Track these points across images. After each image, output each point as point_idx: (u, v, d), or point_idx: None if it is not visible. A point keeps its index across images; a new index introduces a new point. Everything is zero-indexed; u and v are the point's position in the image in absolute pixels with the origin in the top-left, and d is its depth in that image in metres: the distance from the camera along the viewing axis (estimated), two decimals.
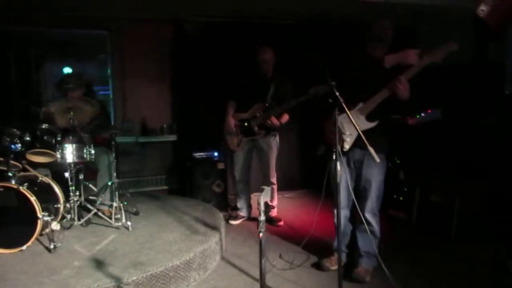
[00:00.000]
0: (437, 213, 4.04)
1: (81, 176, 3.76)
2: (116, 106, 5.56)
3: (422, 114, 4.47)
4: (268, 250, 3.58)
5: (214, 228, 3.55)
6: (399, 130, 4.60)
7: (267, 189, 2.35)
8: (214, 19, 5.41)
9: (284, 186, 5.71)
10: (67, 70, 5.49)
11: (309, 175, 5.87)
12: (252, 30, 5.38)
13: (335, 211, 2.98)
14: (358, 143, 2.80)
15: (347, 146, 2.85)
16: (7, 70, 5.14)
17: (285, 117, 4.26)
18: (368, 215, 2.91)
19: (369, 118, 2.81)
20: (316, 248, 3.52)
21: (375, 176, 2.90)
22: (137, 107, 5.53)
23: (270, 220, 4.48)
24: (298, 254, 3.48)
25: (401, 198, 4.51)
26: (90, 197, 4.02)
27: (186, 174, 5.07)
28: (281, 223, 4.44)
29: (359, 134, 2.53)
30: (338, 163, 2.35)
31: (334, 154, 2.47)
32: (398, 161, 4.53)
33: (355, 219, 3.07)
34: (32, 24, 5.07)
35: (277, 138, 4.48)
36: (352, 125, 2.52)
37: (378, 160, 2.25)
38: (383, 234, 3.06)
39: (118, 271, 2.65)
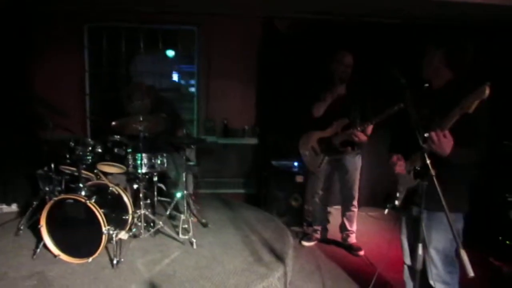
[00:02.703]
0: None
1: (155, 179, 3.73)
2: (200, 104, 5.50)
3: None
4: None
5: (280, 258, 3.26)
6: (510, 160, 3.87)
7: None
8: (309, 15, 4.99)
9: (368, 202, 5.22)
10: (170, 53, 5.55)
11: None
12: (352, 30, 4.85)
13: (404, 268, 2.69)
14: (414, 199, 2.30)
15: (397, 202, 2.38)
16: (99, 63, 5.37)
17: (370, 128, 3.72)
18: (433, 283, 2.34)
19: (414, 173, 2.24)
20: None
21: (435, 241, 2.30)
22: (220, 107, 5.42)
23: (349, 248, 4.07)
24: None
25: (507, 242, 3.76)
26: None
27: (262, 184, 4.84)
28: (361, 252, 3.97)
29: (409, 189, 2.18)
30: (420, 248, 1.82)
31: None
32: (509, 199, 3.76)
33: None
34: (123, 19, 5.18)
35: (360, 155, 4.01)
36: (406, 178, 2.24)
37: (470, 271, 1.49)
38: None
39: None
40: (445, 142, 1.94)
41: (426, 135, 1.90)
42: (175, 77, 5.86)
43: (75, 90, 5.24)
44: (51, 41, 4.99)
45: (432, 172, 1.66)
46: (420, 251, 1.73)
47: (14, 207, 4.52)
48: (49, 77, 4.98)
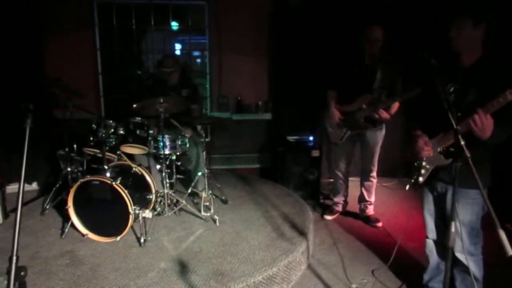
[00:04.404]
0: None
1: (173, 157, 3.77)
2: (213, 80, 5.47)
3: None
4: (358, 262, 3.32)
5: (302, 232, 3.34)
6: None
7: None
8: None
9: (383, 172, 5.24)
10: (174, 24, 5.53)
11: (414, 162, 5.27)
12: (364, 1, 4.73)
13: (426, 242, 2.71)
14: (438, 175, 2.35)
15: (421, 179, 2.38)
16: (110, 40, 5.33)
17: (395, 107, 3.71)
18: (460, 255, 2.38)
19: (446, 153, 2.24)
20: (407, 268, 3.13)
21: (463, 215, 2.31)
22: (233, 83, 5.41)
23: (366, 219, 4.15)
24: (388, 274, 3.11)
25: None
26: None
27: (278, 159, 4.88)
28: (379, 224, 4.05)
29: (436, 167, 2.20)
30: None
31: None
32: None
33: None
34: None
35: (384, 130, 4.00)
36: (433, 156, 2.22)
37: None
38: (490, 256, 2.46)
39: (199, 281, 2.61)
40: (487, 125, 1.95)
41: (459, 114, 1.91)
42: (183, 50, 5.80)
43: (87, 69, 5.23)
44: (61, 20, 4.95)
45: (467, 153, 1.67)
46: (453, 228, 1.76)
47: (34, 185, 4.61)
48: (61, 57, 4.97)
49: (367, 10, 4.62)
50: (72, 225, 3.21)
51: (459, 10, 2.27)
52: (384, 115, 3.59)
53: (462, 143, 1.70)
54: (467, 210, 2.31)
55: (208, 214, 3.58)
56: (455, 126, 1.76)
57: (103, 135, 3.21)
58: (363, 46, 3.74)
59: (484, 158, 2.20)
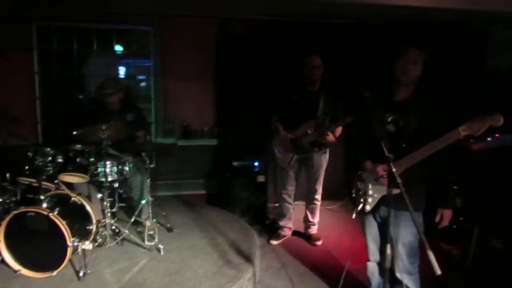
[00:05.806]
0: (497, 260, 3.59)
1: (115, 185, 3.64)
2: (158, 105, 5.43)
3: (489, 139, 3.95)
4: (305, 286, 3.37)
5: (248, 259, 3.34)
6: (460, 155, 4.16)
7: None
8: (264, 17, 5.08)
9: (327, 195, 5.39)
10: (119, 48, 5.45)
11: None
12: (306, 31, 5.02)
13: (367, 265, 2.82)
14: (382, 202, 2.46)
15: (368, 208, 2.48)
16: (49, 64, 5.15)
17: (339, 130, 3.88)
18: (399, 275, 2.51)
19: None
20: None
21: (403, 237, 2.47)
22: (178, 108, 5.41)
23: (308, 238, 4.29)
24: None
25: (454, 227, 4.07)
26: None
27: (224, 185, 4.89)
28: (319, 242, 4.21)
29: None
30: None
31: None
32: (455, 187, 4.07)
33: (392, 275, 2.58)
34: (74, 18, 5.02)
35: (327, 154, 4.19)
36: (378, 185, 2.30)
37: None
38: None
39: None
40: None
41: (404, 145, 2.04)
42: (125, 72, 5.71)
43: (24, 93, 4.99)
44: None
45: (399, 180, 1.79)
46: (388, 250, 1.86)
47: None
48: None
49: (313, 32, 4.92)
50: (3, 261, 2.99)
51: (410, 44, 2.35)
52: (330, 137, 3.75)
53: (394, 170, 1.83)
54: (407, 232, 2.45)
55: (153, 243, 3.48)
56: (387, 154, 1.88)
57: (40, 163, 3.06)
58: (304, 75, 3.92)
59: (419, 183, 2.35)
